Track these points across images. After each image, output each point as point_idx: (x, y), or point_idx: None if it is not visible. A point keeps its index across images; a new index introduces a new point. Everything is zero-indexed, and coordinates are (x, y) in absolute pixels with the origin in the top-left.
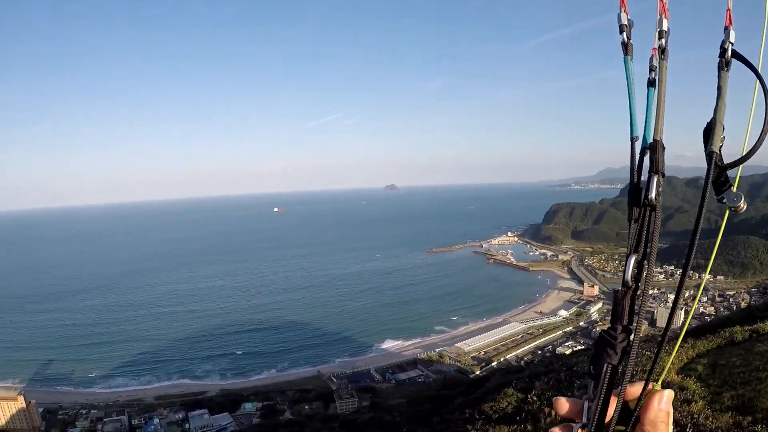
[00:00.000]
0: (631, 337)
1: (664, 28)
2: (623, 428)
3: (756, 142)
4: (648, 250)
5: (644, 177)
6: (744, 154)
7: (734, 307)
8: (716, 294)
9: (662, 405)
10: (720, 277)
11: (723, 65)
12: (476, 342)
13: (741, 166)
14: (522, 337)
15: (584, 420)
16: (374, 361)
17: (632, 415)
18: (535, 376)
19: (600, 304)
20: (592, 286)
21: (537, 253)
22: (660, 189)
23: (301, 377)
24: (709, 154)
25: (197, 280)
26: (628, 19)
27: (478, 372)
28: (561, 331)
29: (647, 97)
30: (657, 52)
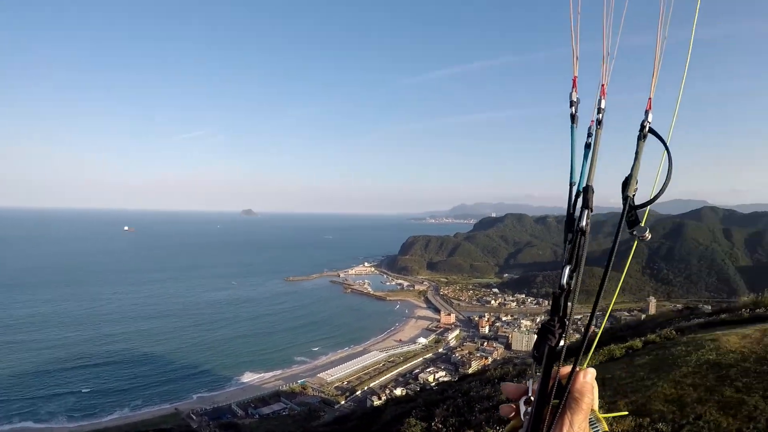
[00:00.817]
0: (566, 326)
1: (602, 106)
2: (558, 401)
3: (659, 191)
4: (579, 262)
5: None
6: (650, 198)
7: (581, 330)
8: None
9: (587, 378)
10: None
11: (641, 137)
12: (338, 372)
13: (647, 207)
14: (384, 365)
15: (530, 395)
16: (235, 395)
17: (565, 390)
18: (431, 404)
19: (457, 331)
20: (449, 315)
21: (394, 283)
22: (588, 220)
23: (157, 416)
24: (625, 198)
25: (35, 304)
26: (577, 97)
27: (342, 402)
28: (421, 358)
29: (584, 156)
30: (594, 123)
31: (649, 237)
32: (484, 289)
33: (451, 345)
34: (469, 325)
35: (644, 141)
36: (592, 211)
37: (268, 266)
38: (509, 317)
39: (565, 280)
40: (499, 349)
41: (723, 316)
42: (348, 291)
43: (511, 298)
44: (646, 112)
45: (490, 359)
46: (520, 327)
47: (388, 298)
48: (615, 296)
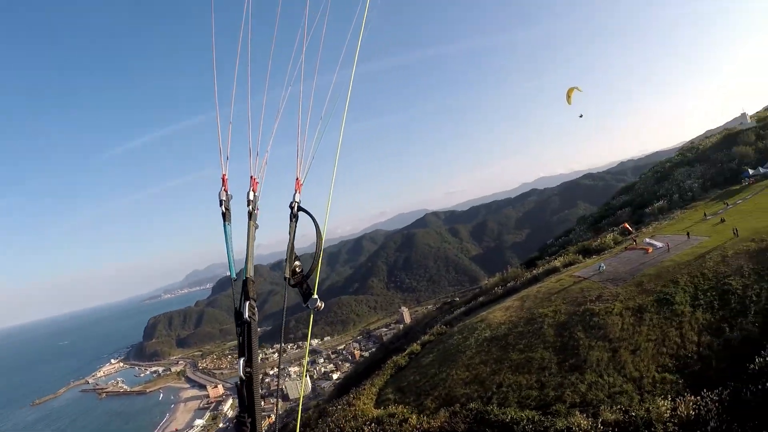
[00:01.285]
0: (254, 413)
1: (251, 198)
2: None
3: (311, 264)
4: (251, 353)
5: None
6: (306, 273)
7: (349, 357)
8: (330, 352)
9: None
10: (327, 338)
11: (292, 217)
12: None
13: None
14: None
15: (241, 373)
16: None
17: None
18: None
19: (230, 401)
20: (216, 387)
21: (149, 372)
22: (254, 310)
23: None
24: (285, 278)
25: None
26: (228, 194)
27: None
28: None
29: (247, 249)
30: (247, 216)
31: (322, 306)
32: None
33: (230, 416)
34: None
35: (295, 221)
36: (256, 301)
37: (3, 396)
38: (275, 369)
39: (242, 372)
40: (278, 403)
41: (481, 299)
42: (103, 396)
43: (271, 350)
44: (295, 193)
45: (273, 416)
46: (290, 375)
47: (148, 391)
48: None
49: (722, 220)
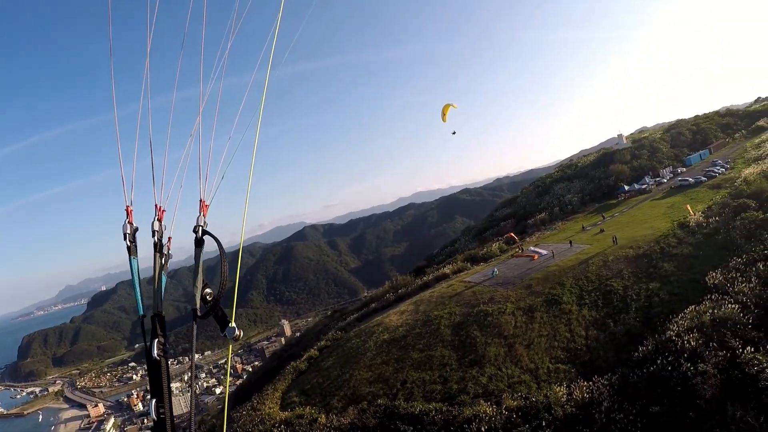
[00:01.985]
0: None
1: (156, 228)
2: None
3: (216, 295)
4: (162, 392)
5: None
6: (210, 306)
7: (232, 371)
8: (211, 367)
9: None
10: (208, 353)
11: (197, 243)
12: None
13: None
14: None
15: (153, 416)
16: None
17: None
18: None
19: (112, 420)
20: (96, 406)
21: (25, 393)
22: (164, 348)
23: None
24: (193, 310)
25: None
26: (133, 227)
27: None
28: None
29: (155, 280)
30: (153, 248)
31: (241, 335)
32: (120, 367)
33: None
34: (121, 408)
35: (201, 247)
36: (165, 338)
37: None
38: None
39: (154, 414)
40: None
41: (373, 305)
42: None
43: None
44: (199, 216)
45: None
46: (173, 391)
47: (26, 413)
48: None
49: (601, 230)
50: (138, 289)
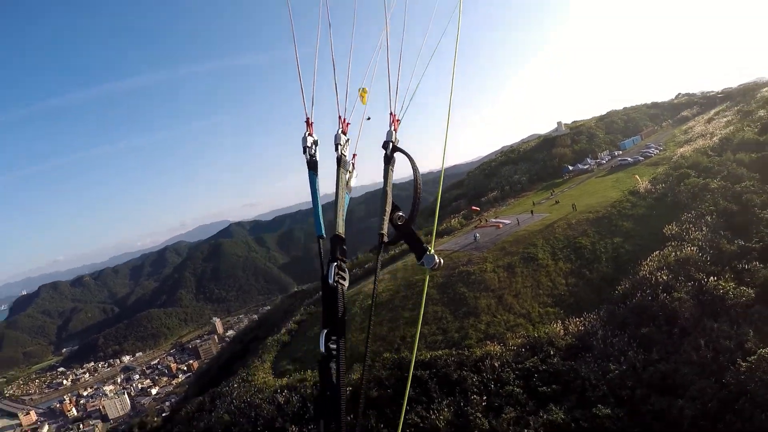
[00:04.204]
0: (339, 392)
1: (340, 141)
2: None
3: (409, 216)
4: (337, 323)
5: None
6: (402, 227)
7: (166, 371)
8: (144, 368)
9: None
10: (139, 354)
11: (386, 159)
12: None
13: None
14: None
15: (321, 348)
16: None
17: None
18: None
19: (46, 427)
20: (28, 414)
21: None
22: (342, 273)
23: None
24: (379, 235)
25: None
26: (314, 140)
27: None
28: None
29: (336, 200)
30: (336, 162)
31: (441, 263)
32: (49, 372)
33: None
34: (54, 414)
35: (392, 164)
36: (345, 263)
37: None
38: (90, 390)
39: (322, 346)
40: (98, 426)
41: None
42: None
43: (81, 370)
44: (389, 131)
45: None
46: (107, 395)
47: None
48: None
49: (557, 202)
50: (318, 207)
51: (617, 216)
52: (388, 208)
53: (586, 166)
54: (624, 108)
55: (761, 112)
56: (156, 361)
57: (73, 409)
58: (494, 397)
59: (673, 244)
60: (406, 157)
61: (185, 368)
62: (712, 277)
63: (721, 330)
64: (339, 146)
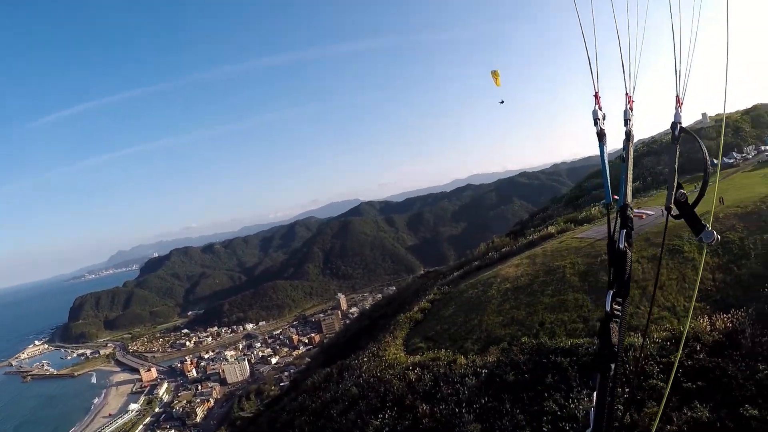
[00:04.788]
0: (618, 351)
1: (628, 117)
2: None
3: (700, 191)
4: (623, 285)
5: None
6: (693, 201)
7: (287, 342)
8: (266, 337)
9: None
10: (262, 323)
11: (674, 139)
12: None
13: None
14: None
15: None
16: None
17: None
18: None
19: (165, 385)
20: (149, 370)
21: (75, 355)
22: (630, 240)
23: None
24: (667, 208)
25: None
26: (603, 114)
27: None
28: (141, 426)
29: (622, 172)
30: (625, 136)
31: (719, 240)
32: (173, 333)
33: (166, 400)
34: (174, 373)
35: (677, 143)
36: (632, 230)
37: None
38: (211, 353)
39: (609, 306)
40: (216, 388)
41: (476, 263)
42: (28, 379)
43: (204, 334)
44: (676, 113)
45: (212, 401)
46: (227, 359)
47: (76, 374)
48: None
49: (702, 194)
50: (607, 175)
51: (767, 212)
52: (675, 184)
53: (731, 160)
54: (755, 105)
55: None
56: (278, 332)
57: (194, 370)
58: (636, 390)
59: None
60: (696, 140)
61: (306, 341)
62: None
63: None
64: (628, 122)
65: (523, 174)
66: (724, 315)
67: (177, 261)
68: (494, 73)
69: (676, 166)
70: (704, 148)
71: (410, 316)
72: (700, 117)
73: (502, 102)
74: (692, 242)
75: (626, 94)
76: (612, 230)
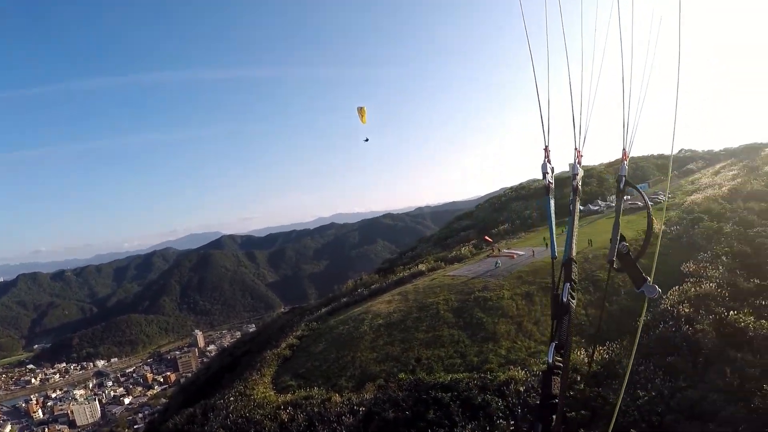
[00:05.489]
0: (559, 404)
1: (577, 172)
2: None
3: (643, 244)
4: (564, 338)
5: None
6: (635, 256)
7: (141, 380)
8: (118, 375)
9: None
10: (114, 359)
11: (618, 192)
12: None
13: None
14: None
15: (549, 359)
16: None
17: None
18: None
19: (9, 427)
20: None
21: None
22: (573, 294)
23: None
24: (610, 261)
25: None
26: (551, 167)
27: None
28: None
29: (568, 225)
30: (572, 190)
31: (659, 295)
32: (18, 369)
33: None
34: (18, 414)
35: (622, 196)
36: (575, 283)
37: None
38: (59, 392)
39: (551, 358)
40: (64, 431)
41: (344, 299)
42: None
43: (52, 370)
44: (622, 167)
45: None
46: (76, 399)
47: None
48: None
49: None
50: (553, 230)
51: (633, 253)
52: (617, 237)
53: (596, 207)
54: (632, 157)
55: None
56: (131, 369)
57: (39, 410)
58: (521, 422)
59: (691, 280)
60: (637, 192)
61: (162, 380)
62: (732, 312)
63: (745, 359)
64: (576, 176)
65: (388, 215)
66: (600, 347)
67: (24, 288)
68: (360, 110)
69: (618, 219)
70: (647, 199)
71: (278, 352)
72: (567, 167)
73: (367, 140)
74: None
75: (575, 148)
76: (556, 283)
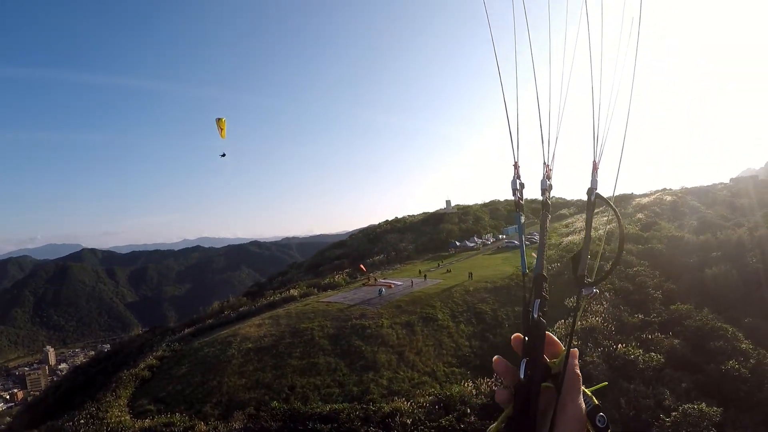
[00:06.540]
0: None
1: (546, 186)
2: (549, 385)
3: (613, 262)
4: (536, 354)
5: None
6: (602, 276)
7: None
8: None
9: (576, 360)
10: None
11: (589, 205)
12: None
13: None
14: None
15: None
16: None
17: (560, 374)
18: None
19: None
20: None
21: None
22: (544, 309)
23: None
24: (579, 276)
25: None
26: (520, 183)
27: None
28: None
29: (540, 240)
30: (542, 208)
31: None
32: None
33: None
34: None
35: (593, 210)
36: (547, 299)
37: None
38: None
39: (523, 374)
40: None
41: (210, 321)
42: None
43: None
44: (593, 177)
45: None
46: None
47: None
48: None
49: (449, 270)
50: (523, 247)
51: (516, 287)
52: (587, 252)
53: (472, 244)
54: (506, 200)
55: (639, 215)
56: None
57: None
58: None
59: (576, 315)
60: (611, 208)
61: (8, 397)
62: (620, 345)
63: (638, 390)
64: (545, 191)
65: (255, 243)
66: (487, 379)
67: None
68: (219, 122)
69: (590, 233)
70: (620, 217)
71: (136, 373)
72: (444, 205)
73: (224, 155)
74: (444, 311)
75: (544, 163)
76: (528, 299)
